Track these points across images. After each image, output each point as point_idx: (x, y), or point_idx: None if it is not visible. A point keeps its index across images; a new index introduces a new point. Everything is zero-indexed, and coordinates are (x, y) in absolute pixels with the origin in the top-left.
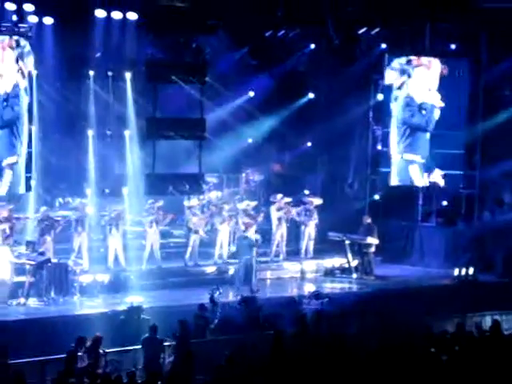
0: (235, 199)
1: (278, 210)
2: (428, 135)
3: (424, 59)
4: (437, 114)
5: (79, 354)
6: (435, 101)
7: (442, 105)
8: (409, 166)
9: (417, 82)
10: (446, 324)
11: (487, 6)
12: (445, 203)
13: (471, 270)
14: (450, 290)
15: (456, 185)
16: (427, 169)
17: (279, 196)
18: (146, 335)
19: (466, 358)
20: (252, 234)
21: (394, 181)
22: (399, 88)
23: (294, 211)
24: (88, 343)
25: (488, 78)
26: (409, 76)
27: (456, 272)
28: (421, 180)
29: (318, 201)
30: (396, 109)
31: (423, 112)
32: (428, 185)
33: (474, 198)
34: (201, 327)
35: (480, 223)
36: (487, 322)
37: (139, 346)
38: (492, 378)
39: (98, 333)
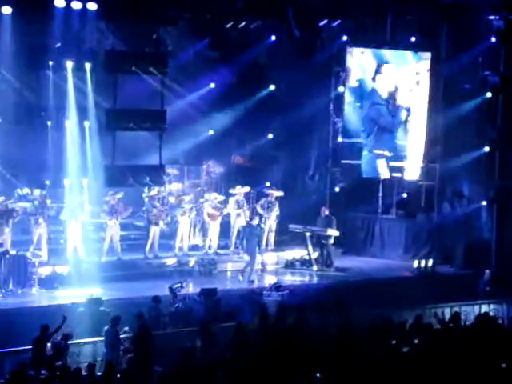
0: (196, 191)
1: (236, 205)
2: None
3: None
4: (404, 115)
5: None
6: (403, 101)
7: (409, 105)
8: (377, 159)
9: (386, 79)
10: (406, 316)
11: (447, 0)
12: (404, 195)
13: (430, 262)
14: (409, 281)
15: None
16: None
17: (238, 187)
18: (108, 327)
19: (427, 350)
20: (256, 223)
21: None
22: (366, 82)
23: (258, 206)
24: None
25: (448, 71)
26: (378, 72)
27: (415, 264)
28: (387, 173)
29: (278, 193)
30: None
31: (389, 108)
32: (390, 178)
33: (434, 190)
34: (153, 319)
35: (439, 215)
36: (446, 313)
37: (98, 338)
38: (453, 368)
39: (69, 329)
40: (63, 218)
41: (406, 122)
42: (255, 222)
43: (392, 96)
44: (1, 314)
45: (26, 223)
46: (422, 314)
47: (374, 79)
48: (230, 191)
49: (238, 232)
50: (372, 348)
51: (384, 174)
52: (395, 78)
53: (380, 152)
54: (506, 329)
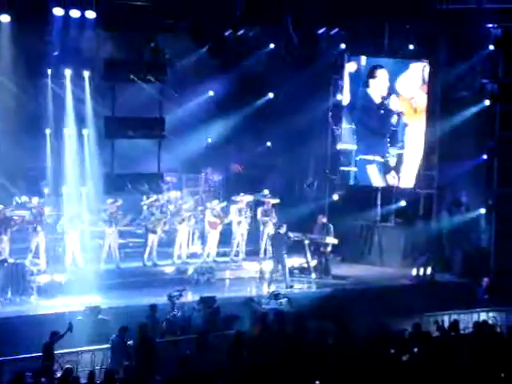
0: (194, 199)
1: (238, 212)
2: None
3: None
4: (394, 120)
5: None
6: (394, 105)
7: (401, 110)
8: (367, 165)
9: (378, 84)
10: (404, 324)
11: (445, 8)
12: (403, 203)
13: (429, 270)
14: (408, 289)
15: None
16: (386, 168)
17: (241, 195)
18: (115, 336)
19: (426, 358)
20: (283, 231)
21: (353, 180)
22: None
23: (259, 211)
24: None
25: (446, 79)
26: (370, 75)
27: (414, 272)
28: (379, 180)
29: (274, 200)
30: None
31: (381, 113)
32: (385, 185)
33: (432, 198)
34: (150, 327)
35: (438, 223)
36: (445, 321)
37: (97, 347)
38: (452, 377)
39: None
40: (61, 226)
41: (401, 128)
42: (283, 230)
43: (384, 101)
44: None
45: (24, 231)
46: (421, 322)
47: (367, 83)
48: (233, 198)
49: (238, 241)
50: (371, 356)
51: (376, 181)
52: (388, 82)
53: (371, 158)
54: (504, 337)
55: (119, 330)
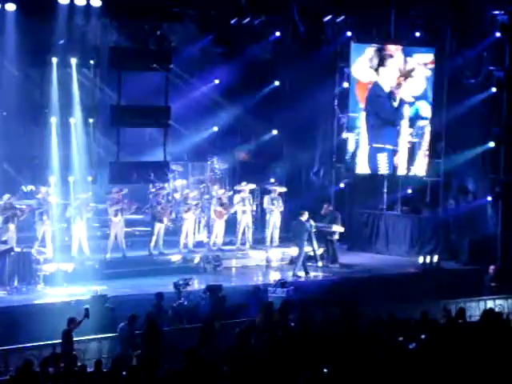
0: (200, 187)
1: (242, 201)
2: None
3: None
4: (406, 110)
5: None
6: (406, 95)
7: (412, 100)
8: (377, 153)
9: (388, 73)
10: (411, 312)
11: None
12: (409, 191)
13: (436, 258)
14: (414, 277)
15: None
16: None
17: (243, 184)
18: (123, 324)
19: (433, 346)
20: (305, 219)
21: (362, 169)
22: (369, 77)
23: (265, 200)
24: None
25: (452, 67)
26: (382, 65)
27: (421, 260)
28: (386, 168)
29: (281, 188)
30: (364, 98)
31: (394, 104)
32: (395, 173)
33: (439, 186)
34: (156, 315)
35: (444, 211)
36: (452, 309)
37: (104, 335)
38: (459, 365)
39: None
40: (68, 215)
41: (415, 117)
42: (304, 217)
43: (394, 90)
44: (6, 311)
45: (31, 220)
46: (428, 310)
47: (377, 71)
48: (236, 188)
49: (244, 228)
50: (378, 344)
51: (383, 169)
52: (398, 71)
53: (381, 146)
54: (511, 324)
55: (128, 319)
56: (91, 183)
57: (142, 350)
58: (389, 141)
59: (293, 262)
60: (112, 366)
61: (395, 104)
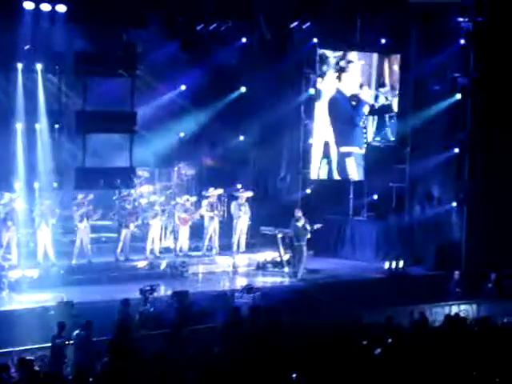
0: (167, 193)
1: (210, 206)
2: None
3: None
4: (366, 110)
5: None
6: (366, 97)
7: (372, 101)
8: (346, 158)
9: (349, 77)
10: (377, 317)
11: (417, 1)
12: (375, 197)
13: (401, 263)
14: (380, 282)
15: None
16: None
17: (211, 190)
18: (79, 331)
19: (397, 351)
20: (301, 224)
21: (329, 175)
22: (330, 81)
23: (232, 206)
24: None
25: (418, 73)
26: (342, 70)
27: (386, 265)
28: (356, 173)
29: (248, 193)
30: (326, 102)
31: (353, 104)
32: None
33: (404, 192)
34: (122, 322)
35: (410, 217)
36: (416, 315)
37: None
38: (423, 369)
39: None
40: (33, 221)
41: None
42: (300, 223)
43: (356, 94)
44: None
45: None
46: (393, 315)
47: (338, 78)
48: (204, 193)
49: (210, 234)
50: (344, 348)
51: (353, 174)
52: (360, 76)
53: (348, 149)
54: (475, 329)
55: (84, 325)
56: (57, 189)
57: (110, 358)
58: (355, 142)
59: (259, 267)
60: (75, 374)
61: (354, 103)
